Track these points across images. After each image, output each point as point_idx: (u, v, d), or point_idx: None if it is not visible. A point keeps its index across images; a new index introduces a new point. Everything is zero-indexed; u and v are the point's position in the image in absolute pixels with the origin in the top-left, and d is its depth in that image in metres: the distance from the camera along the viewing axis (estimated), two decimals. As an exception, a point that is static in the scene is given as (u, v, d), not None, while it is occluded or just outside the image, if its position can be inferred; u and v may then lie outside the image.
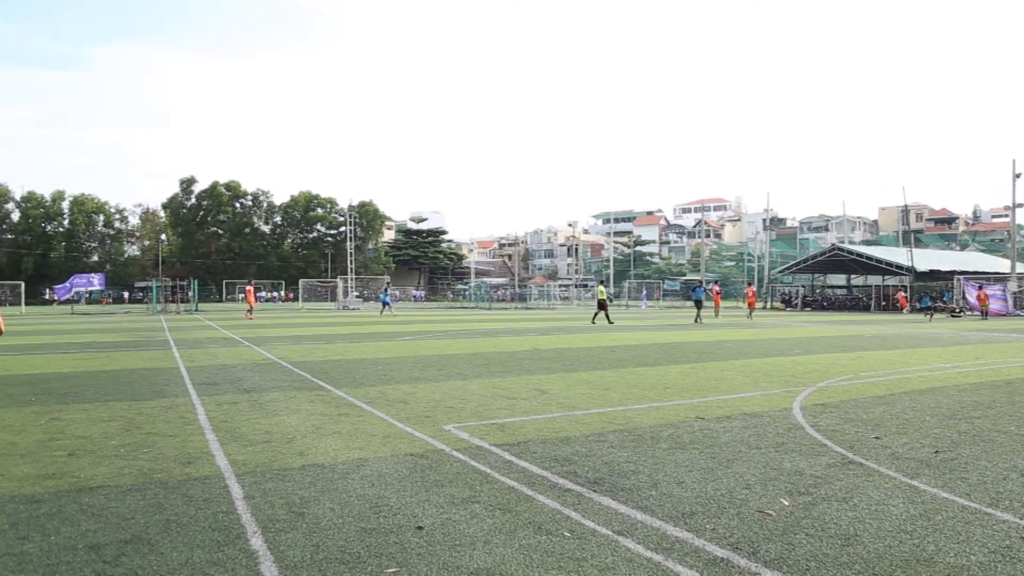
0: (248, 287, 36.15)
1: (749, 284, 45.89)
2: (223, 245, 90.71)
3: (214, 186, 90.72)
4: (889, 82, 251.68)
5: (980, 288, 39.98)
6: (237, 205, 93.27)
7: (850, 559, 3.76)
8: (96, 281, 46.80)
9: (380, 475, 5.37)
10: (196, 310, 46.66)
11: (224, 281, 79.97)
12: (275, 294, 78.76)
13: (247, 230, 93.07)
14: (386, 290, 44.59)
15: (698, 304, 32.68)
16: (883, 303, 52.28)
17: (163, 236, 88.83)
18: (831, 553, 3.84)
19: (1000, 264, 53.85)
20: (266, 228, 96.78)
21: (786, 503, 4.70)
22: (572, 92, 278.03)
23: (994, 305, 39.21)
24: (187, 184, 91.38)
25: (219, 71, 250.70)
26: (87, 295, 56.33)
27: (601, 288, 32.17)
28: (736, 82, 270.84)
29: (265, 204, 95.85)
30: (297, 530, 4.16)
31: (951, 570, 3.62)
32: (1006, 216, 57.56)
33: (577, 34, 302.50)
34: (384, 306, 41.22)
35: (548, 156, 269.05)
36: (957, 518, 4.42)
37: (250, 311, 34.32)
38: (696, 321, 30.62)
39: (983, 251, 76.56)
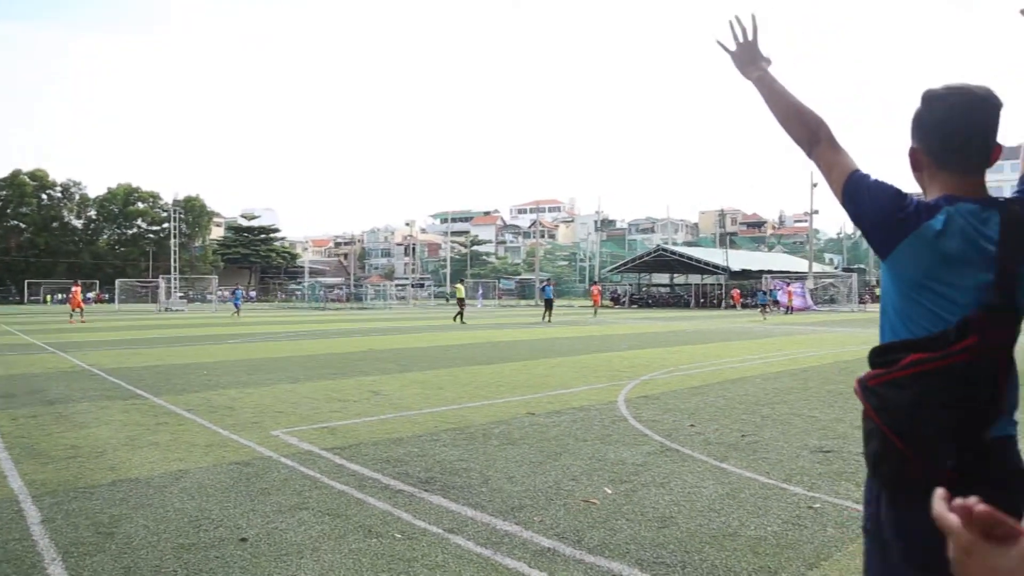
0: (74, 287, 33.98)
1: (594, 283, 48.29)
2: (26, 241, 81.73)
3: (15, 175, 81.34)
4: (713, 94, 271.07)
5: (789, 285, 44.19)
6: (44, 197, 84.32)
7: (666, 539, 4.02)
8: None
9: (201, 486, 5.08)
10: (-9, 314, 42.00)
11: (27, 281, 72.39)
12: (88, 295, 72.20)
13: (55, 224, 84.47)
14: (236, 292, 42.90)
15: (548, 304, 32.33)
16: (702, 300, 56.35)
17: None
18: (649, 536, 4.09)
19: (801, 264, 59.49)
20: (78, 223, 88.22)
21: (609, 491, 4.94)
22: (408, 91, 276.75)
23: (796, 301, 43.38)
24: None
25: (20, 42, 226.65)
26: None
27: (460, 287, 32.47)
28: (569, 86, 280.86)
29: (77, 196, 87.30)
30: (105, 552, 3.85)
31: (751, 541, 3.98)
32: (806, 221, 63.75)
33: (408, 32, 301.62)
34: (236, 308, 40.10)
35: (386, 155, 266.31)
36: (758, 495, 4.85)
37: (76, 313, 32.16)
38: (544, 320, 30.60)
39: (787, 252, 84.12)
